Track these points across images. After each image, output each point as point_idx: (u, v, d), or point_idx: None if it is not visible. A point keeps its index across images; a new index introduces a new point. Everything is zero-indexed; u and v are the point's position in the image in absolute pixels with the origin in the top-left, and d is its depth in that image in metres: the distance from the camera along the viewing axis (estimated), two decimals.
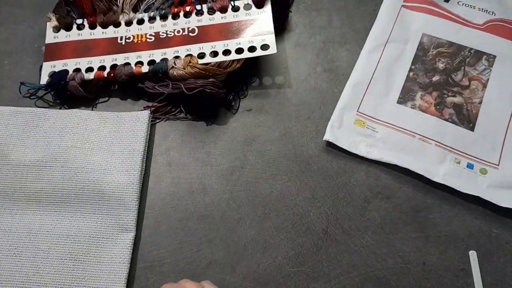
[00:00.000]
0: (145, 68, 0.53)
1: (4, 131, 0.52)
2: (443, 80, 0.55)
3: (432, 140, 0.51)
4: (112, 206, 0.48)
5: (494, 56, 0.55)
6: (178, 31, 0.56)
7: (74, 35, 0.57)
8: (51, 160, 0.50)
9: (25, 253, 0.46)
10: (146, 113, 0.53)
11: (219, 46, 0.54)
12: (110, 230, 0.47)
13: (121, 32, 0.57)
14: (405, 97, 0.54)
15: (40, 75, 0.55)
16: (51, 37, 0.57)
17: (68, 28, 0.58)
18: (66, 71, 0.54)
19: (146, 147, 0.51)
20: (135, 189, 0.48)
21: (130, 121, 0.52)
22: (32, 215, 0.48)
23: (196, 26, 0.56)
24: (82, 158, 0.50)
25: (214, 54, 0.54)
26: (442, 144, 0.51)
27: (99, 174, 0.49)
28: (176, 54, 0.54)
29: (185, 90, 0.51)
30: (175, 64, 0.52)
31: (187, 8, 0.57)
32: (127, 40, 0.56)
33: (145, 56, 0.54)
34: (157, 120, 0.54)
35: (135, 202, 0.48)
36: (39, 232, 0.47)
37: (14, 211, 0.48)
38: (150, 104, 0.55)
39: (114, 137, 0.51)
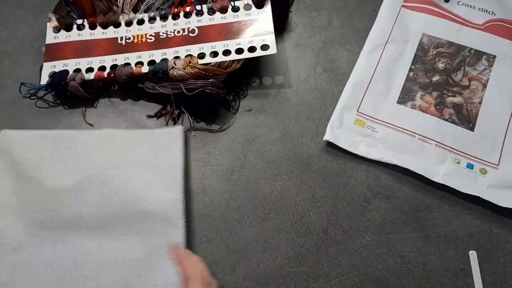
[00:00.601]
0: (145, 69, 0.53)
1: (34, 156, 0.48)
2: (443, 80, 0.55)
3: (432, 140, 0.51)
4: (158, 225, 0.45)
5: (494, 56, 0.55)
6: (178, 32, 0.56)
7: (74, 35, 0.57)
8: (86, 183, 0.47)
9: (74, 285, 0.43)
10: (179, 129, 0.51)
11: (219, 46, 0.54)
12: (159, 250, 0.44)
13: (121, 33, 0.57)
14: (405, 97, 0.54)
15: (40, 75, 0.55)
16: (51, 37, 0.57)
17: (68, 29, 0.58)
18: (66, 72, 0.54)
19: (185, 162, 0.49)
20: (180, 205, 0.46)
21: (164, 138, 0.50)
22: (73, 243, 0.45)
23: (196, 27, 0.56)
24: (119, 178, 0.47)
25: (214, 54, 0.54)
26: (442, 144, 0.51)
27: (140, 193, 0.46)
28: (176, 55, 0.54)
29: (185, 91, 0.51)
30: (175, 65, 0.52)
31: (187, 9, 0.57)
32: (127, 41, 0.56)
33: (145, 56, 0.55)
34: (158, 120, 0.54)
35: (182, 218, 0.45)
36: (86, 261, 0.44)
37: (54, 240, 0.45)
38: (150, 104, 0.55)
39: (150, 154, 0.49)
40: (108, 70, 0.55)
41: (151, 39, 0.56)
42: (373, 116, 0.53)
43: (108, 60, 0.55)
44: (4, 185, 0.47)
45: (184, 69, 0.52)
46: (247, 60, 0.54)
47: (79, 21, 0.58)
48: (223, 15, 0.56)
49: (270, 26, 0.55)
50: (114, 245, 0.44)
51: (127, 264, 0.44)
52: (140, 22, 0.57)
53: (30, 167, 0.48)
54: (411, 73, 0.55)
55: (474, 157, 0.50)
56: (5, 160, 0.48)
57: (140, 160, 0.48)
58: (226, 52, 0.54)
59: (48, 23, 0.58)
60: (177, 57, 0.54)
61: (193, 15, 0.57)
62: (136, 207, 0.45)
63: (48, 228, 0.45)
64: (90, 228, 0.45)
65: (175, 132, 0.50)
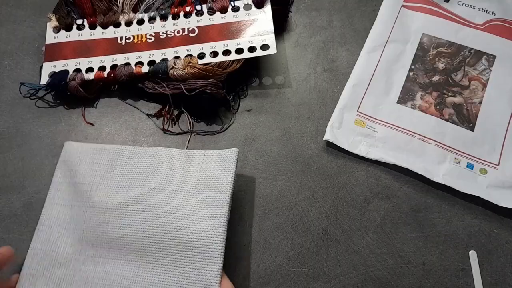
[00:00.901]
0: (145, 68, 0.53)
1: (90, 169, 0.47)
2: (443, 80, 0.55)
3: (432, 140, 0.51)
4: (195, 258, 0.42)
5: (494, 56, 0.55)
6: (178, 31, 0.56)
7: (74, 35, 0.57)
8: (133, 203, 0.45)
9: None
10: (234, 152, 0.47)
11: (219, 46, 0.54)
12: (192, 287, 0.41)
13: (121, 32, 0.57)
14: (405, 97, 0.54)
15: (40, 75, 0.55)
16: (51, 37, 0.57)
17: (68, 28, 0.58)
18: (66, 71, 0.54)
19: (233, 190, 0.45)
20: (221, 238, 0.42)
21: (218, 160, 0.47)
22: (113, 265, 0.43)
23: (196, 26, 0.56)
24: (165, 200, 0.44)
25: (214, 54, 0.54)
26: (442, 144, 0.51)
27: (182, 219, 0.43)
28: (176, 55, 0.54)
29: (185, 91, 0.51)
30: (175, 65, 0.52)
31: (187, 8, 0.57)
32: (127, 40, 0.56)
33: (145, 56, 0.55)
34: (158, 119, 0.54)
35: (220, 254, 0.42)
36: (120, 286, 0.42)
37: (97, 259, 0.44)
38: (150, 104, 0.55)
39: (199, 178, 0.46)
40: (108, 70, 0.55)
41: (151, 39, 0.56)
42: (373, 116, 0.53)
43: (108, 60, 0.55)
44: (61, 197, 0.47)
45: (184, 69, 0.52)
46: (247, 60, 0.54)
47: (79, 21, 0.58)
48: (223, 15, 0.56)
49: (270, 26, 0.55)
50: (149, 273, 0.42)
51: None
52: (140, 22, 0.57)
53: (83, 180, 0.47)
54: (411, 73, 0.55)
55: (474, 157, 0.50)
56: (65, 172, 0.48)
57: (188, 183, 0.46)
58: (226, 52, 0.54)
59: (48, 23, 0.58)
60: (177, 57, 0.54)
61: (193, 15, 0.57)
62: (175, 234, 0.43)
63: (93, 246, 0.44)
64: (130, 251, 0.43)
65: (229, 156, 0.47)
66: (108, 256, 0.44)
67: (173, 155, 0.48)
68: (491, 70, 0.54)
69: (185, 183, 0.46)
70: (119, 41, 0.56)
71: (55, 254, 0.44)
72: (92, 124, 0.54)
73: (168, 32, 0.56)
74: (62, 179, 0.48)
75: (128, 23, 0.57)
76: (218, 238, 0.42)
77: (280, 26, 0.59)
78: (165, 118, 0.54)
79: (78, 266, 0.44)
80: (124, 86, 0.55)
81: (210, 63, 0.53)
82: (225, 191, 0.44)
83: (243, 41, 0.54)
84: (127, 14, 0.58)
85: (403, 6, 0.59)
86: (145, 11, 0.58)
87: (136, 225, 0.44)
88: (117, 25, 0.57)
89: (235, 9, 0.56)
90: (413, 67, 0.55)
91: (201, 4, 0.57)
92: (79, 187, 0.47)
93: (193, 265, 0.42)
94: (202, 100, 0.52)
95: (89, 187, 0.46)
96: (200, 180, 0.46)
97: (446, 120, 0.52)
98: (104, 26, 0.57)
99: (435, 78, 0.55)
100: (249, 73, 0.56)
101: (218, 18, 0.56)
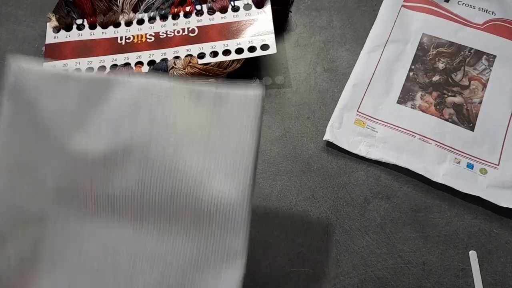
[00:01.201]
0: (145, 68, 0.53)
1: (55, 105, 0.35)
2: (443, 80, 0.55)
3: (432, 140, 0.51)
4: (213, 228, 0.35)
5: (494, 56, 0.55)
6: (178, 31, 0.56)
7: (74, 35, 0.57)
8: (122, 156, 0.34)
9: (103, 279, 0.35)
10: (258, 96, 0.35)
11: (219, 46, 0.54)
12: (211, 258, 0.35)
13: (121, 32, 0.57)
14: (405, 97, 0.54)
15: None
16: (51, 37, 0.57)
17: (68, 28, 0.58)
18: None
19: (258, 145, 0.36)
20: (245, 204, 0.35)
21: (236, 104, 0.36)
22: (105, 227, 0.35)
23: (196, 26, 0.56)
24: (167, 156, 0.34)
25: (214, 54, 0.54)
26: (442, 144, 0.51)
27: (192, 182, 0.34)
28: (176, 54, 0.54)
29: None
30: (175, 65, 0.53)
31: (187, 8, 0.57)
32: (127, 40, 0.56)
33: (145, 56, 0.55)
34: None
35: (245, 222, 0.35)
36: (118, 253, 0.35)
37: (82, 218, 0.35)
38: None
39: (212, 125, 0.35)
40: (108, 70, 0.55)
41: (151, 39, 0.56)
42: (373, 116, 0.53)
43: (108, 60, 0.55)
44: (19, 137, 0.36)
45: (184, 69, 0.52)
46: (247, 60, 0.54)
47: (79, 21, 0.58)
48: (223, 15, 0.56)
49: (270, 26, 0.55)
50: (155, 239, 0.35)
51: (169, 267, 0.35)
52: (140, 22, 0.57)
53: (48, 120, 0.35)
54: (411, 73, 0.55)
55: (474, 157, 0.50)
56: (18, 105, 0.36)
57: (198, 134, 0.35)
58: (226, 52, 0.54)
59: (48, 23, 0.58)
60: (177, 57, 0.54)
61: (193, 15, 0.57)
62: (186, 198, 0.34)
63: (73, 203, 0.35)
64: (125, 214, 0.35)
65: (252, 98, 0.35)
66: (96, 214, 0.35)
67: (172, 90, 0.36)
68: (491, 70, 0.54)
69: (193, 134, 0.35)
70: (119, 41, 0.56)
71: (24, 207, 0.35)
72: None
73: (168, 32, 0.56)
74: (17, 114, 0.36)
75: (128, 23, 0.57)
76: (242, 204, 0.34)
77: (280, 26, 0.59)
78: None
79: (60, 225, 0.35)
80: None
81: (210, 63, 0.53)
82: (249, 148, 0.35)
83: (243, 41, 0.54)
84: (127, 14, 0.58)
85: (403, 6, 0.59)
86: (145, 11, 0.58)
87: (131, 185, 0.35)
88: (117, 25, 0.57)
89: (235, 9, 0.56)
90: (413, 67, 0.55)
91: (201, 4, 0.57)
92: (44, 125, 0.35)
93: (212, 236, 0.35)
94: None
95: (58, 132, 0.35)
96: (213, 131, 0.35)
97: (446, 120, 0.52)
98: (104, 26, 0.57)
99: (435, 78, 0.55)
100: (249, 73, 0.56)
101: (218, 18, 0.56)
